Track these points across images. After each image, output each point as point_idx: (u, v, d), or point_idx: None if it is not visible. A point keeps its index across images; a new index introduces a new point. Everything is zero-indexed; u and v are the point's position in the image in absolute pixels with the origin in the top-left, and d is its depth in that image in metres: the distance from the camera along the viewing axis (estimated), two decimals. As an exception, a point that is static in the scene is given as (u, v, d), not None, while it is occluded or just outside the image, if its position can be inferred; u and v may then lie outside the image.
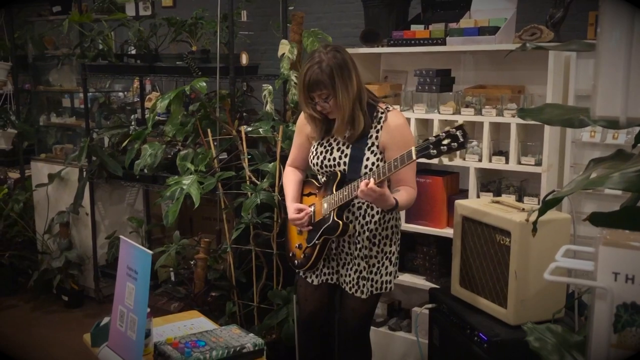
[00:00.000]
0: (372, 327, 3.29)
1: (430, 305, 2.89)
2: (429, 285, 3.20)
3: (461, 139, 2.14)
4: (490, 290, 2.59)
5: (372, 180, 2.30)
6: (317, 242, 2.57)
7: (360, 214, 2.55)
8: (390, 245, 2.61)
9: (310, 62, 2.44)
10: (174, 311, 3.34)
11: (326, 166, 2.58)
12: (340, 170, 2.52)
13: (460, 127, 2.15)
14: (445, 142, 2.15)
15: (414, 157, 2.21)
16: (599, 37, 1.12)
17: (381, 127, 2.48)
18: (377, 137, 2.48)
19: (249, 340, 2.13)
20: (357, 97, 2.44)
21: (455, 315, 2.69)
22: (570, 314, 2.49)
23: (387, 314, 3.50)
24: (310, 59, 2.47)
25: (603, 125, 1.41)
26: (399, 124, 2.48)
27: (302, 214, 2.57)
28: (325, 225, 2.53)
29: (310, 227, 2.60)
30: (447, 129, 2.17)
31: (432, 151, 2.16)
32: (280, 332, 3.37)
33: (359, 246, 2.56)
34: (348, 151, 2.51)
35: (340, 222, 2.49)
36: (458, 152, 2.16)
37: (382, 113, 2.50)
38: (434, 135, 2.20)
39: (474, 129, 3.16)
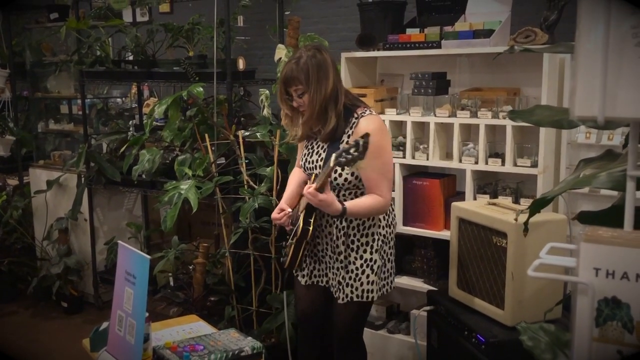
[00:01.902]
0: (370, 330, 3.31)
1: (428, 308, 2.90)
2: (426, 287, 3.21)
3: (360, 148, 2.17)
4: (487, 291, 2.60)
5: (313, 185, 2.34)
6: (291, 241, 2.60)
7: (337, 217, 2.53)
8: (371, 253, 2.55)
9: (290, 59, 2.51)
10: (173, 316, 3.35)
11: (308, 168, 2.62)
12: (316, 173, 2.55)
13: (364, 136, 2.18)
14: (352, 150, 2.18)
15: (331, 163, 2.25)
16: (577, 38, 1.15)
17: (352, 132, 2.48)
18: (347, 142, 2.46)
19: (248, 344, 2.14)
20: (331, 98, 2.45)
21: (453, 317, 2.70)
22: (567, 315, 2.50)
23: (385, 317, 3.51)
24: (292, 56, 2.55)
25: (589, 126, 1.43)
26: (368, 130, 2.35)
27: (280, 214, 2.60)
28: (295, 226, 2.57)
29: (291, 227, 2.63)
30: (357, 138, 2.21)
31: (341, 159, 2.21)
32: (279, 336, 3.38)
33: (337, 250, 2.56)
34: (324, 155, 2.54)
35: (301, 225, 2.51)
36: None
37: (356, 118, 2.49)
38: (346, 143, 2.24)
39: (470, 131, 3.17)
